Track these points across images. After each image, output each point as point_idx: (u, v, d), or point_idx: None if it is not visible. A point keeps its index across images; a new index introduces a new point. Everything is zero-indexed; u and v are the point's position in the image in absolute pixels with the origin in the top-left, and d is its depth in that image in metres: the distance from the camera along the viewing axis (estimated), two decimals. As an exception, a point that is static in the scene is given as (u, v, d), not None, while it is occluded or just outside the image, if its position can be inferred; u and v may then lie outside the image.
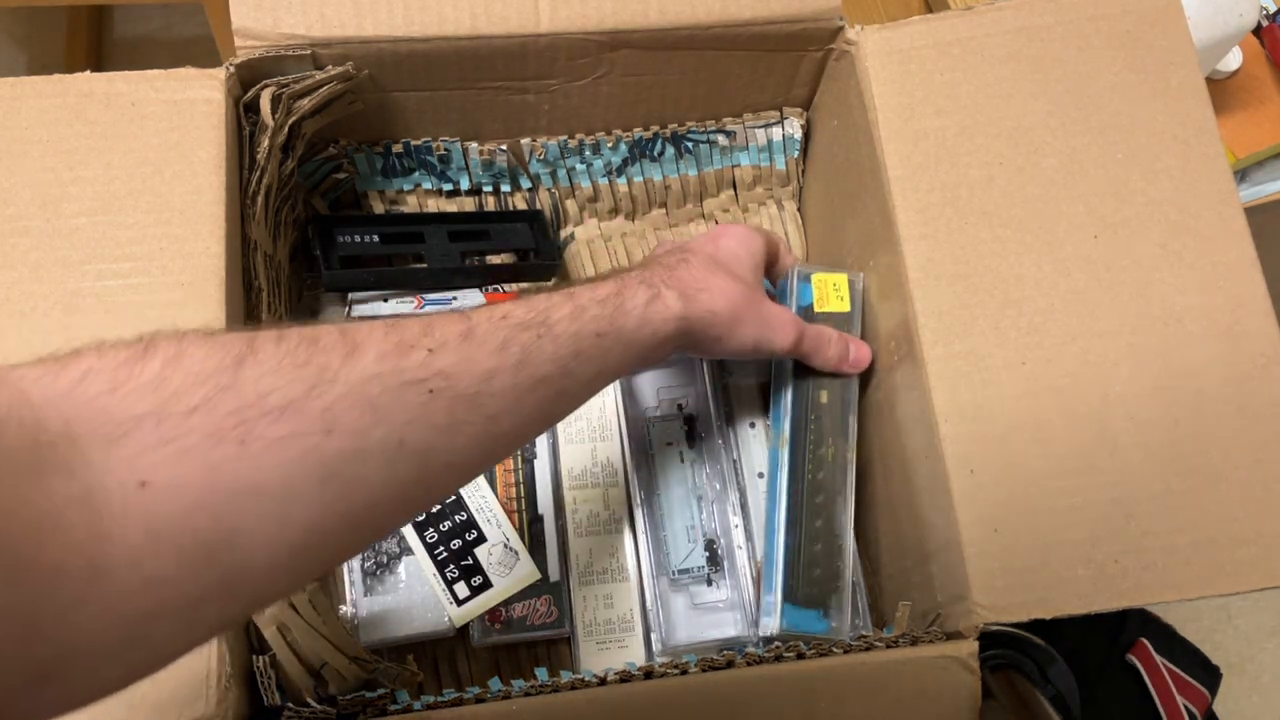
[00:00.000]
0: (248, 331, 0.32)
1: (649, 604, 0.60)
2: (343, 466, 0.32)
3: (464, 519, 0.61)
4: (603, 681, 0.49)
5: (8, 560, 0.25)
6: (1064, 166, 0.55)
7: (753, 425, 0.65)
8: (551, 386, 0.40)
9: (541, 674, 0.50)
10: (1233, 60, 0.90)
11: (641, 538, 0.61)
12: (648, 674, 0.49)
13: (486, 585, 0.60)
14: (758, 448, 0.64)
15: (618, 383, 0.65)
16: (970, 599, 0.49)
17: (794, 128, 0.69)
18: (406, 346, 0.35)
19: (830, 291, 0.60)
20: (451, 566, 0.60)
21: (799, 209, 0.72)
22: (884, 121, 0.56)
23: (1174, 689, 0.83)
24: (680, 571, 0.60)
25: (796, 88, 0.66)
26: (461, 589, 0.59)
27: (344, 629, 0.52)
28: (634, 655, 0.60)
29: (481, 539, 0.60)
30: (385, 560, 0.60)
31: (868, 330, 0.61)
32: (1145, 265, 0.54)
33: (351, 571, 0.60)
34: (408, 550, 0.60)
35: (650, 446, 0.63)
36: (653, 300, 0.47)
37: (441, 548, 0.60)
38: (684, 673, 0.49)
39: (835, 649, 0.50)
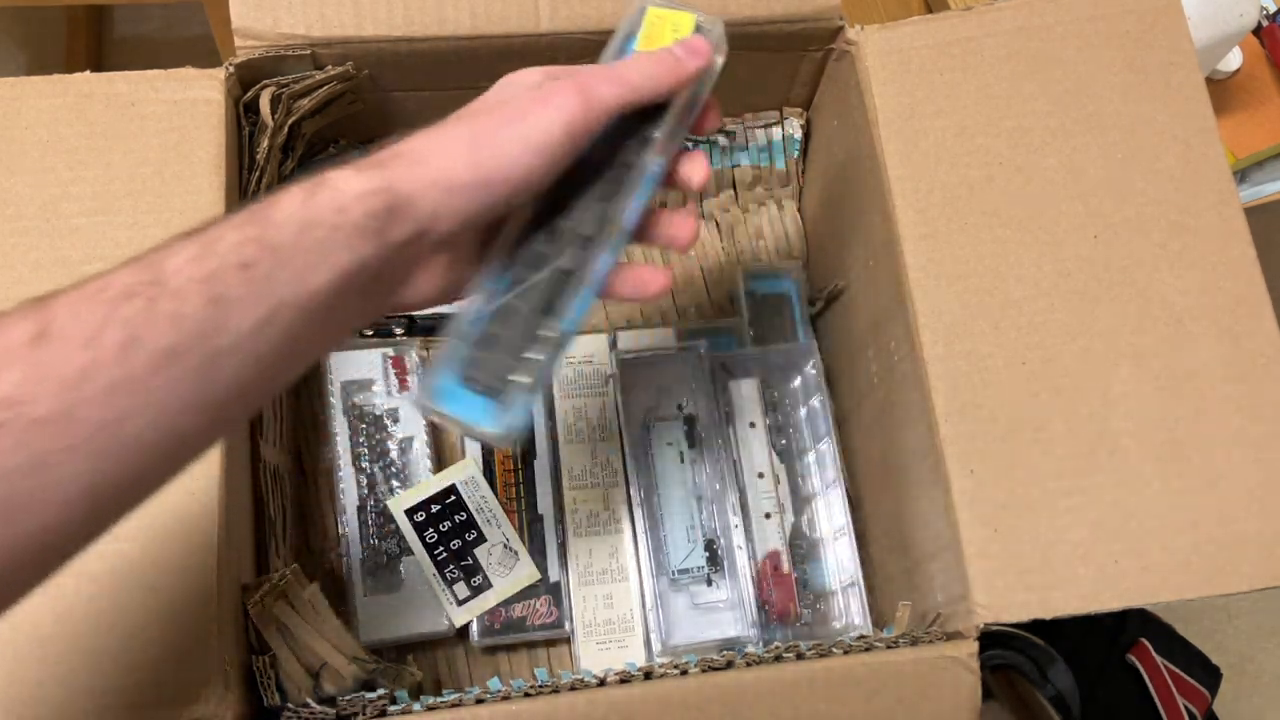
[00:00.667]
0: None
1: (648, 604, 0.60)
2: None
3: (464, 519, 0.61)
4: (602, 682, 0.49)
5: None
6: (1064, 166, 0.55)
7: (753, 425, 0.65)
8: (191, 359, 0.30)
9: (541, 674, 0.50)
10: (1233, 60, 0.90)
11: (641, 538, 0.61)
12: (647, 675, 0.49)
13: (486, 585, 0.60)
14: (758, 447, 0.64)
15: (615, 383, 0.64)
16: (970, 599, 0.49)
17: (794, 127, 0.69)
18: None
19: (667, 32, 0.46)
20: (451, 566, 0.60)
21: (799, 209, 0.72)
22: (884, 121, 0.56)
23: (1174, 689, 0.83)
24: (680, 571, 0.60)
25: (796, 87, 0.66)
26: (461, 589, 0.59)
27: (343, 629, 0.52)
28: (634, 655, 0.60)
29: (481, 539, 0.60)
30: (385, 560, 0.60)
31: (860, 325, 0.61)
32: (1145, 265, 0.53)
33: (352, 571, 0.60)
34: (407, 550, 0.60)
35: (650, 447, 0.63)
36: (314, 191, 0.34)
37: (441, 548, 0.60)
38: (684, 673, 0.49)
39: (835, 650, 0.50)
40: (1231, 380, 0.52)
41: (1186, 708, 0.83)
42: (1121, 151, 0.55)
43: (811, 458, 0.64)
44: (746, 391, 0.66)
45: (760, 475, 0.63)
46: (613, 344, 0.66)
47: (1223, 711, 0.90)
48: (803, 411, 0.65)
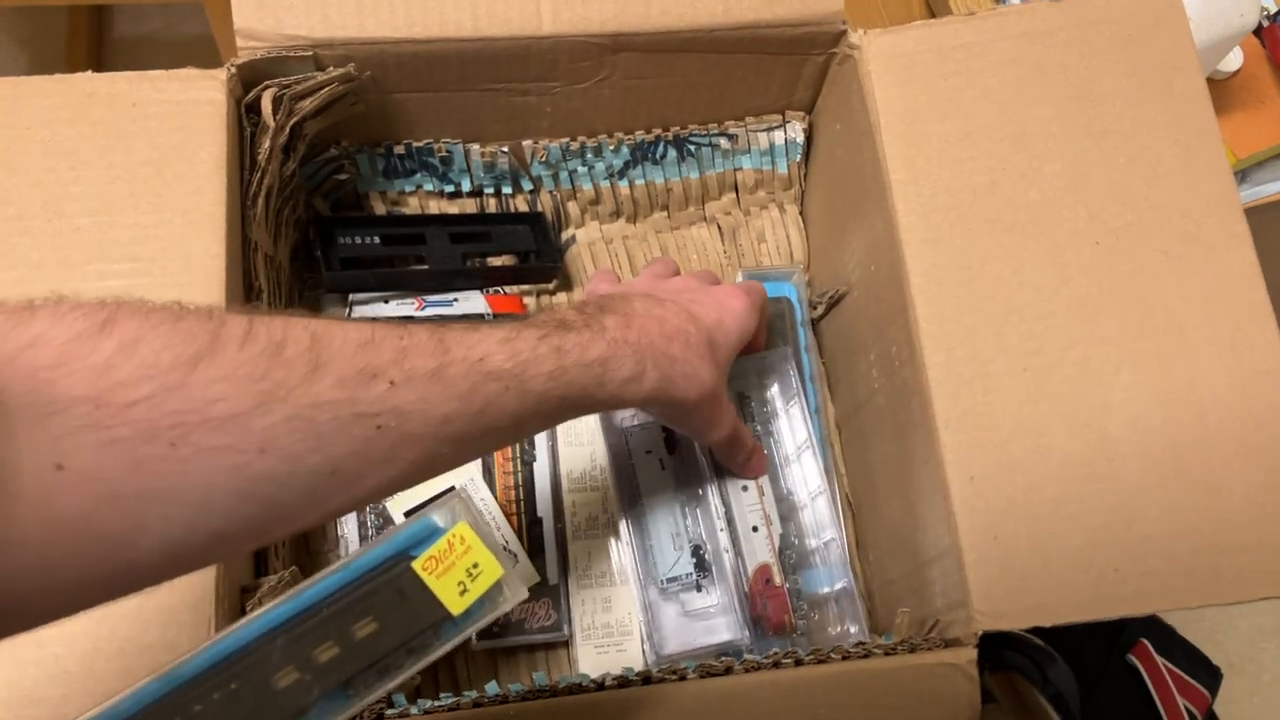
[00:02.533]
0: (217, 319, 0.31)
1: (640, 615, 0.60)
2: (266, 487, 0.31)
3: (463, 522, 0.60)
4: (601, 686, 0.49)
5: None
6: (1067, 172, 0.55)
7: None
8: (500, 436, 0.40)
9: (539, 678, 0.50)
10: (1233, 60, 0.90)
11: (626, 549, 0.60)
12: (646, 679, 0.49)
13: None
14: None
15: None
16: (969, 606, 0.48)
17: (796, 131, 0.69)
18: (369, 375, 0.33)
19: (460, 566, 0.43)
20: (450, 569, 0.60)
21: (801, 213, 0.72)
22: (886, 126, 0.56)
23: (1174, 689, 0.83)
24: (669, 580, 0.59)
25: (799, 91, 0.66)
26: (460, 592, 0.59)
27: (342, 631, 0.52)
28: (632, 659, 0.59)
29: (480, 542, 0.60)
30: (384, 562, 0.60)
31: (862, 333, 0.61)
32: (1147, 272, 0.53)
33: (350, 573, 0.60)
34: (407, 552, 0.60)
35: (630, 456, 0.62)
36: (634, 379, 0.45)
37: (440, 550, 0.60)
38: (682, 678, 0.49)
39: (834, 655, 0.50)
40: (1233, 388, 0.52)
41: (1187, 708, 0.83)
42: (1124, 157, 0.55)
43: (796, 467, 0.63)
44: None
45: (744, 488, 0.62)
46: None
47: (1223, 712, 0.90)
48: (783, 420, 0.64)
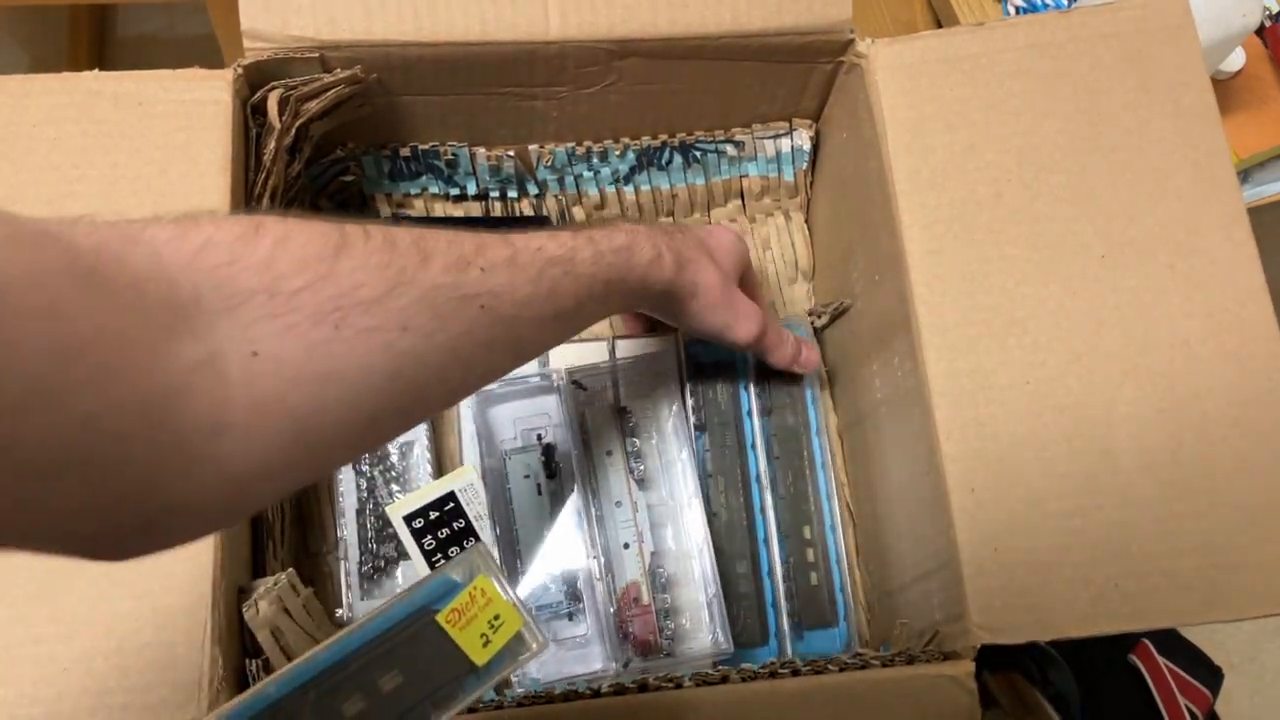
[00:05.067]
0: (335, 222, 0.34)
1: None
2: (408, 365, 0.34)
3: (462, 526, 0.60)
4: (596, 693, 0.49)
5: (142, 419, 0.26)
6: (1073, 185, 0.55)
7: (609, 453, 0.62)
8: (566, 321, 0.44)
9: (534, 684, 0.50)
10: (1235, 60, 0.90)
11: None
12: (642, 687, 0.49)
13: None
14: (615, 476, 0.62)
15: (472, 416, 0.63)
16: (968, 619, 0.48)
17: (802, 139, 0.68)
18: (465, 262, 0.37)
19: (481, 618, 0.43)
20: (449, 573, 0.60)
21: (806, 220, 0.72)
22: (892, 136, 0.56)
23: (1176, 690, 0.83)
24: (539, 608, 0.58)
25: (806, 99, 0.66)
26: (458, 595, 0.59)
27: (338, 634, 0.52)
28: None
29: (479, 546, 0.60)
30: (382, 564, 0.60)
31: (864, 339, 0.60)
32: (1152, 286, 0.53)
33: (348, 575, 0.60)
34: (404, 555, 0.60)
35: (507, 480, 0.61)
36: (655, 260, 0.49)
37: (439, 555, 0.60)
38: (678, 686, 0.49)
39: (831, 666, 0.50)
40: (1236, 404, 0.51)
41: (1188, 708, 0.82)
42: (1131, 171, 0.55)
43: (677, 469, 0.62)
44: (603, 417, 0.63)
45: (618, 504, 0.60)
46: (612, 349, 0.65)
47: (1225, 712, 0.90)
48: (668, 426, 0.63)
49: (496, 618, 0.40)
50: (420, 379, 0.35)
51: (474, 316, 0.37)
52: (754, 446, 0.63)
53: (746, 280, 0.59)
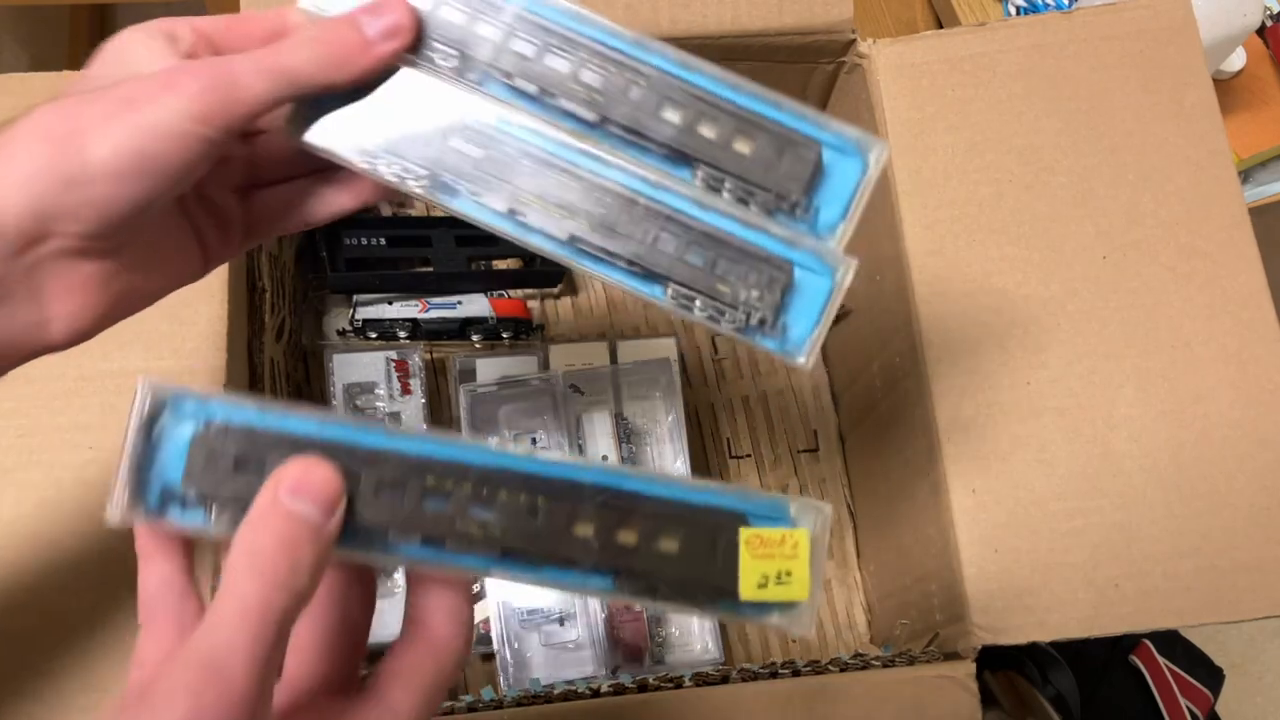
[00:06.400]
0: None
1: (496, 644, 0.58)
2: None
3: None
4: (596, 693, 0.49)
5: None
6: (1074, 186, 0.55)
7: (605, 457, 0.62)
8: None
9: (534, 683, 0.50)
10: (1236, 60, 0.90)
11: (487, 579, 0.59)
12: (642, 687, 0.49)
13: (483, 595, 0.59)
14: None
15: (466, 417, 0.61)
16: (968, 619, 0.48)
17: (804, 139, 0.68)
18: None
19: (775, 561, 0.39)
20: (449, 572, 0.59)
21: (807, 221, 0.72)
22: (894, 136, 0.56)
23: (1176, 690, 0.83)
24: (530, 612, 0.58)
25: (807, 99, 0.66)
26: (458, 595, 0.59)
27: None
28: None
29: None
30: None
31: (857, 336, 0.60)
32: (1154, 288, 0.53)
33: (349, 574, 0.60)
34: (405, 555, 0.60)
35: None
36: None
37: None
38: (679, 686, 0.49)
39: (831, 667, 0.50)
40: (1238, 406, 0.51)
41: (1189, 709, 0.82)
42: (1133, 172, 0.55)
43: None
44: (599, 424, 0.63)
45: None
46: (545, 363, 0.64)
47: (1225, 713, 0.90)
48: (665, 432, 0.63)
49: (789, 574, 0.36)
50: None
51: None
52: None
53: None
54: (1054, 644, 0.65)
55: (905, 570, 0.56)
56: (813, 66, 0.62)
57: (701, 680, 0.49)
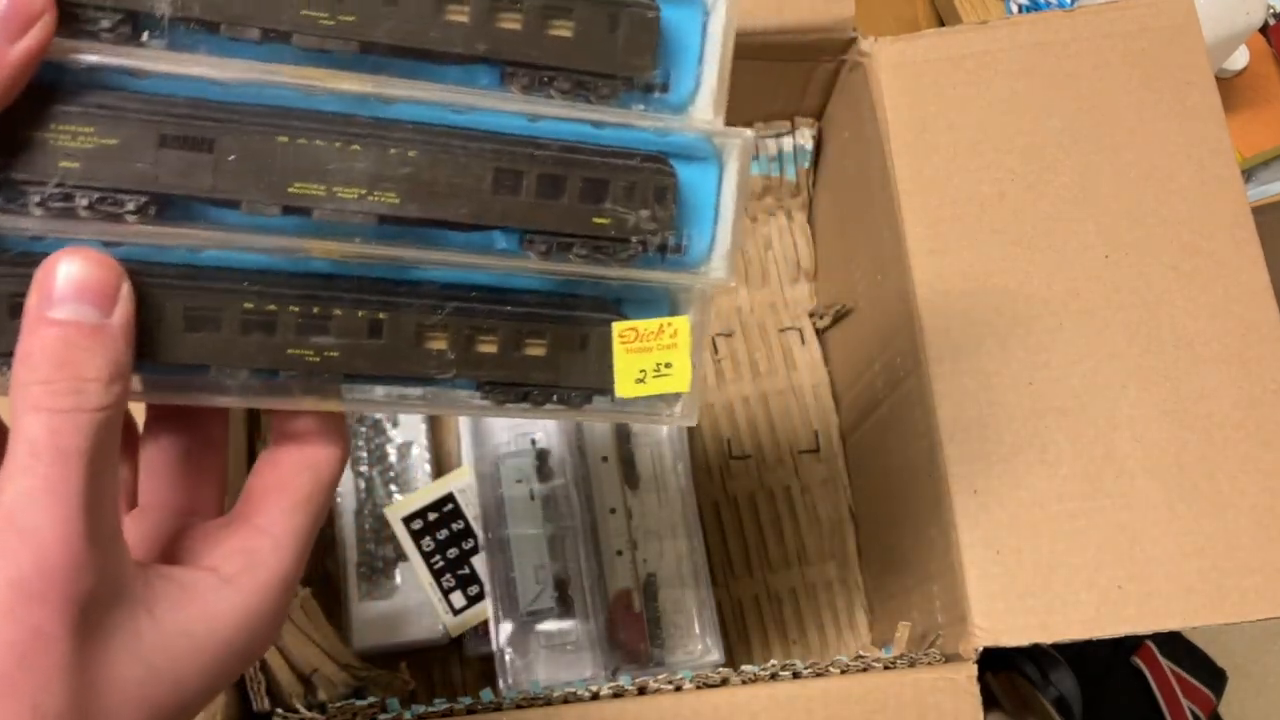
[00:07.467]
0: None
1: (494, 647, 0.58)
2: None
3: (460, 528, 0.60)
4: (595, 696, 0.48)
5: None
6: (1076, 184, 0.54)
7: (605, 459, 0.62)
8: None
9: (535, 685, 0.49)
10: (1239, 59, 0.90)
11: (488, 580, 0.59)
12: (641, 690, 0.48)
13: (483, 596, 0.59)
14: (609, 483, 0.61)
15: (465, 422, 0.61)
16: (970, 621, 0.48)
17: (805, 138, 0.68)
18: None
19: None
20: (448, 575, 0.59)
21: (808, 220, 0.72)
22: (895, 135, 0.55)
23: (1179, 692, 0.83)
24: (530, 613, 0.58)
25: (808, 98, 0.66)
26: (458, 598, 0.59)
27: (335, 635, 0.52)
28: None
29: (478, 549, 0.60)
30: (380, 565, 0.60)
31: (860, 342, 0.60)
32: (1156, 287, 0.53)
33: (347, 576, 0.59)
34: (403, 556, 0.60)
35: (500, 485, 0.61)
36: None
37: (438, 556, 0.59)
38: (678, 689, 0.49)
39: (832, 669, 0.50)
40: (1241, 406, 0.51)
41: (1191, 710, 0.82)
42: (1135, 171, 0.55)
43: (671, 478, 0.61)
44: (599, 425, 0.62)
45: (612, 511, 0.60)
46: None
47: (1228, 714, 0.89)
48: (664, 434, 0.62)
49: (668, 365, 0.32)
50: None
51: None
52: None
53: None
54: (1055, 645, 0.65)
55: (907, 572, 0.56)
56: (813, 65, 0.62)
57: (701, 683, 0.49)
